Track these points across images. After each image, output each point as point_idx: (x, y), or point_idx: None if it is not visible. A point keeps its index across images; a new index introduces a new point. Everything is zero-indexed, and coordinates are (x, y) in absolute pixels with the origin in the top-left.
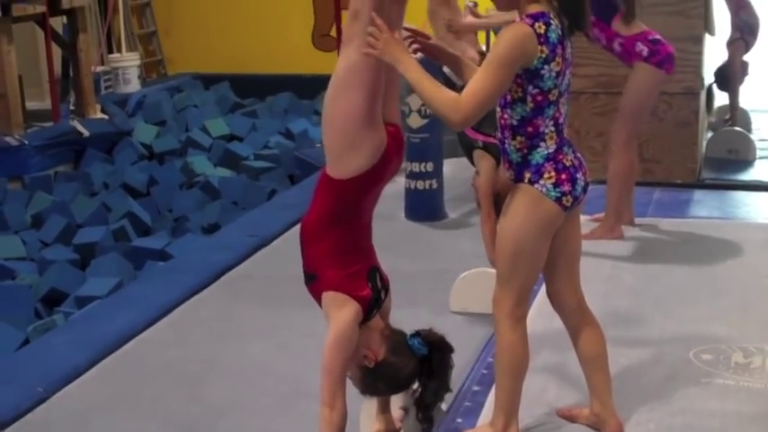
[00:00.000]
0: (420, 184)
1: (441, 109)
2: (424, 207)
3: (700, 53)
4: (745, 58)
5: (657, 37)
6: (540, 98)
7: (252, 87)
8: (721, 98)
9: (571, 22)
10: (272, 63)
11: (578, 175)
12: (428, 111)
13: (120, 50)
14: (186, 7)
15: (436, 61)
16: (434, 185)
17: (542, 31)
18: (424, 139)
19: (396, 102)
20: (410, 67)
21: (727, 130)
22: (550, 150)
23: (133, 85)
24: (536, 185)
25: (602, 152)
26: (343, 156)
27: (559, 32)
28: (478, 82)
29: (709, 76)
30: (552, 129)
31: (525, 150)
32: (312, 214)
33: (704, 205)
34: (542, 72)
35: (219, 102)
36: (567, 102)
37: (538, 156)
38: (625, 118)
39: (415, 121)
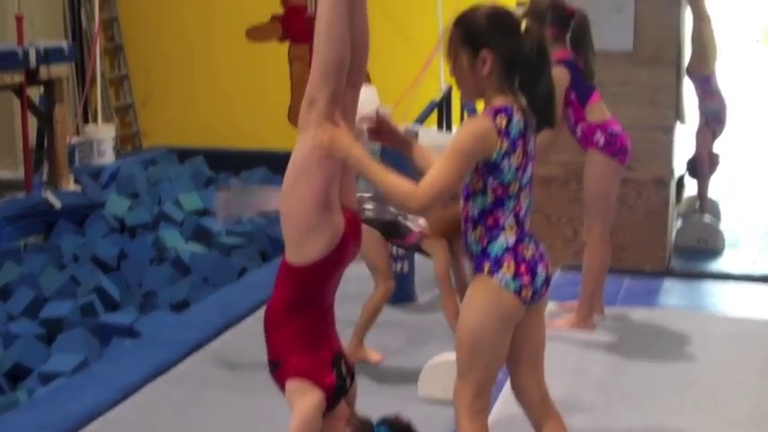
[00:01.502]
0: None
1: (398, 198)
2: (395, 290)
3: (670, 143)
4: (717, 149)
5: (617, 130)
6: (500, 191)
7: (227, 162)
8: (692, 187)
9: (540, 119)
10: (248, 138)
11: (539, 268)
12: None
13: (96, 122)
14: (164, 80)
15: (388, 145)
16: (405, 268)
17: (503, 125)
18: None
19: (352, 186)
20: (361, 160)
21: (697, 219)
22: (510, 242)
23: (108, 157)
24: (495, 277)
25: (574, 239)
26: (302, 242)
27: (521, 127)
28: (437, 171)
29: (680, 166)
30: (513, 221)
31: (485, 241)
32: (274, 301)
33: (673, 294)
34: (502, 165)
35: (194, 176)
36: (530, 194)
37: (497, 247)
38: (592, 211)
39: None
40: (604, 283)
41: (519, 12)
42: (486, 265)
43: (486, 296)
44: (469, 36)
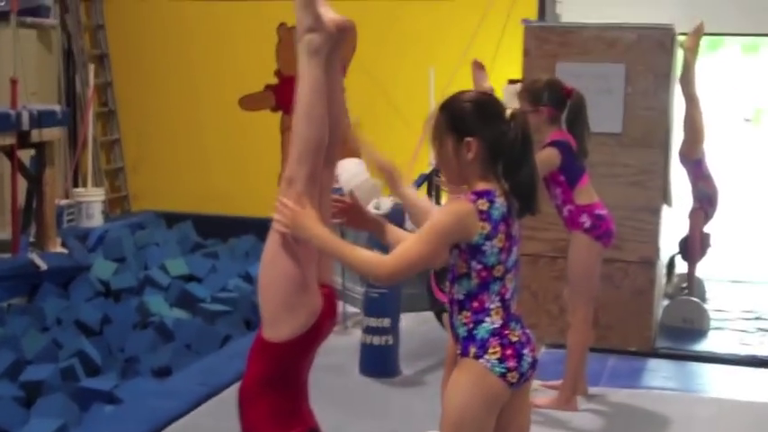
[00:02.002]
0: (376, 340)
1: (364, 269)
2: (379, 363)
3: (657, 224)
4: (706, 229)
5: (603, 213)
6: (484, 274)
7: (215, 228)
8: (680, 267)
9: (522, 205)
10: (237, 205)
11: (525, 351)
12: None
13: (85, 185)
14: (155, 146)
15: (358, 229)
16: (390, 341)
17: (485, 208)
18: (383, 295)
19: (329, 263)
20: (324, 239)
21: (683, 299)
22: (496, 325)
23: (96, 220)
24: (481, 360)
25: (559, 316)
26: (278, 320)
27: (504, 210)
28: (411, 244)
29: (667, 247)
30: (498, 304)
31: (471, 325)
32: (248, 377)
33: (657, 375)
34: (484, 248)
35: (181, 241)
36: (516, 277)
37: (483, 330)
38: (576, 291)
39: None
40: (587, 362)
41: (513, 90)
42: (472, 349)
43: (471, 379)
44: (455, 122)
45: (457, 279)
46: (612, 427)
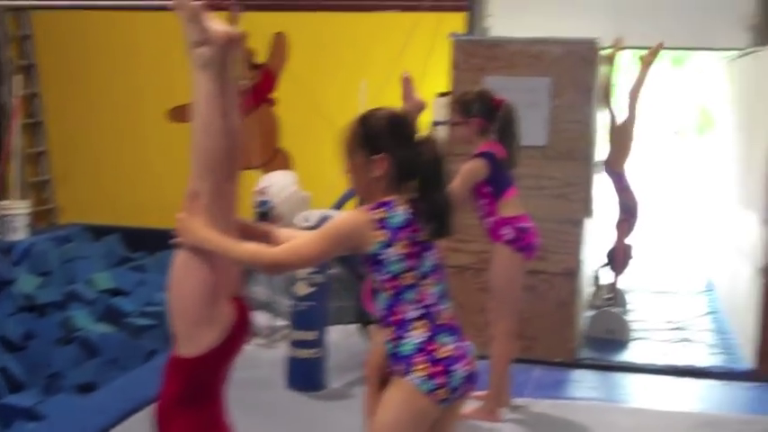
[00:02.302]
0: (303, 353)
1: (253, 259)
2: (306, 376)
3: (580, 235)
4: (628, 241)
5: (527, 226)
6: (394, 283)
7: (143, 241)
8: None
9: (436, 227)
10: (165, 217)
11: (456, 366)
12: (315, 279)
13: (10, 197)
14: (83, 157)
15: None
16: (318, 354)
17: (381, 217)
18: (311, 307)
19: (239, 275)
20: (210, 240)
21: (605, 310)
22: (421, 340)
23: (20, 233)
24: (408, 378)
25: (485, 327)
26: (190, 336)
27: (407, 216)
28: (303, 241)
29: (589, 258)
30: (420, 312)
31: (395, 341)
32: (164, 397)
33: (581, 386)
34: (382, 257)
35: (108, 254)
36: (439, 283)
37: (408, 347)
38: (497, 303)
39: (302, 289)
40: (511, 373)
41: (442, 102)
42: (400, 366)
43: (400, 396)
44: (367, 138)
45: (375, 295)
46: None
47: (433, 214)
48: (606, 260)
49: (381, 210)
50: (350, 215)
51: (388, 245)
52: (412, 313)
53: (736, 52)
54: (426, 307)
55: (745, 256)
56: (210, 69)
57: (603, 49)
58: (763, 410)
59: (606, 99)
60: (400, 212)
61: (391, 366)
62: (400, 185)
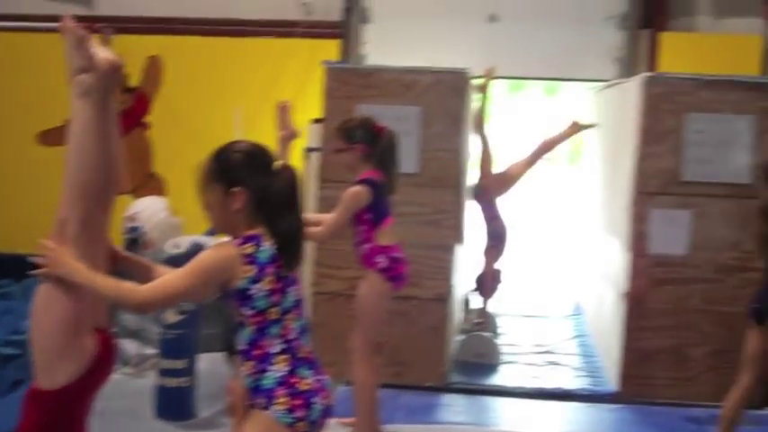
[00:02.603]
0: (172, 382)
1: (119, 298)
2: (175, 405)
3: (451, 261)
4: (497, 266)
5: (400, 256)
6: (258, 319)
7: (9, 267)
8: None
9: (286, 256)
10: (33, 243)
11: (315, 399)
12: (184, 307)
13: None
14: None
15: (124, 270)
16: (187, 383)
17: (250, 252)
18: (179, 335)
19: (104, 306)
20: (80, 274)
21: (475, 334)
22: (283, 373)
23: None
24: (268, 411)
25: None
26: (50, 367)
27: (273, 252)
28: (168, 278)
29: (460, 283)
30: (282, 347)
31: (256, 375)
32: (22, 430)
33: (451, 410)
34: (250, 292)
35: None
36: (300, 318)
37: (269, 380)
38: (362, 328)
39: (171, 317)
40: (378, 399)
41: (317, 128)
42: (260, 400)
43: (260, 429)
44: (224, 172)
45: (237, 329)
46: None
47: (283, 243)
48: (475, 285)
49: (250, 244)
50: (218, 250)
51: (256, 280)
52: (274, 348)
53: (602, 83)
54: (288, 342)
55: (610, 282)
56: (91, 97)
57: (475, 78)
58: (624, 431)
59: (479, 128)
60: (267, 247)
61: (250, 400)
62: (260, 217)
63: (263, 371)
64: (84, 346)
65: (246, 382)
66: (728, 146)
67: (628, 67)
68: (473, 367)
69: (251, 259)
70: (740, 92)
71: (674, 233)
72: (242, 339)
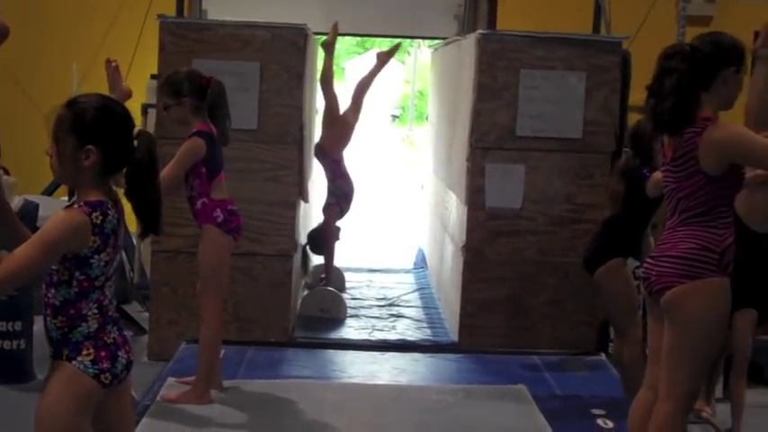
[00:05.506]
0: (6, 344)
1: None
2: (10, 368)
3: (293, 217)
4: (339, 223)
5: (235, 209)
6: (86, 284)
7: None
8: (318, 258)
9: (146, 225)
10: None
11: (120, 353)
12: None
13: None
14: None
15: None
16: (22, 345)
17: (98, 222)
18: (13, 297)
19: None
20: None
21: (320, 289)
22: (92, 329)
23: None
24: (74, 362)
25: (199, 311)
26: None
27: (116, 222)
28: (19, 254)
29: (303, 239)
30: (96, 311)
31: (66, 329)
32: None
33: (294, 364)
34: (92, 261)
35: None
36: (114, 283)
37: (78, 334)
38: (207, 284)
39: None
40: (224, 355)
41: (155, 85)
42: (65, 351)
43: (63, 381)
44: (78, 126)
45: (56, 285)
46: (244, 417)
47: (144, 211)
48: (307, 240)
49: (98, 213)
50: (67, 218)
51: (99, 251)
52: (90, 310)
53: (441, 41)
54: (101, 306)
55: (450, 236)
56: None
57: (317, 35)
58: (463, 379)
59: (326, 86)
60: (111, 217)
61: (55, 352)
62: (109, 178)
63: (74, 326)
64: None
65: (53, 334)
66: (561, 102)
67: (468, 25)
68: (318, 322)
69: (98, 230)
70: (572, 49)
71: (509, 187)
72: (59, 295)
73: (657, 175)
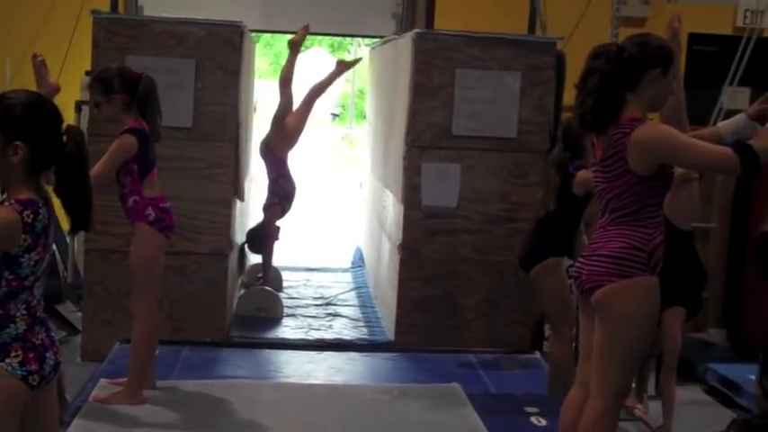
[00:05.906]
0: None
1: None
2: None
3: (229, 216)
4: (279, 223)
5: (167, 206)
6: (15, 284)
7: None
8: (255, 257)
9: (75, 222)
10: None
11: (48, 354)
12: None
13: None
14: None
15: None
16: None
17: (30, 221)
18: None
19: None
20: None
21: (257, 288)
22: (20, 330)
23: None
24: (2, 364)
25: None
26: None
27: (46, 221)
28: None
29: (240, 238)
30: (24, 312)
31: None
32: None
33: (230, 364)
34: (22, 260)
35: None
36: (43, 283)
37: (6, 335)
38: (140, 282)
39: None
40: (154, 355)
41: (87, 81)
42: None
43: None
44: (5, 122)
45: None
46: (177, 417)
47: (74, 207)
48: (245, 239)
49: (30, 212)
50: (1, 216)
51: (29, 250)
52: (19, 311)
53: (379, 40)
54: (30, 307)
55: (387, 234)
56: None
57: (254, 32)
58: (398, 378)
59: (284, 85)
60: (42, 217)
61: None
62: (39, 176)
63: (2, 328)
64: None
65: None
66: (496, 101)
67: (407, 24)
68: (255, 321)
69: (30, 228)
70: (507, 49)
71: (445, 186)
72: None
73: (584, 174)
